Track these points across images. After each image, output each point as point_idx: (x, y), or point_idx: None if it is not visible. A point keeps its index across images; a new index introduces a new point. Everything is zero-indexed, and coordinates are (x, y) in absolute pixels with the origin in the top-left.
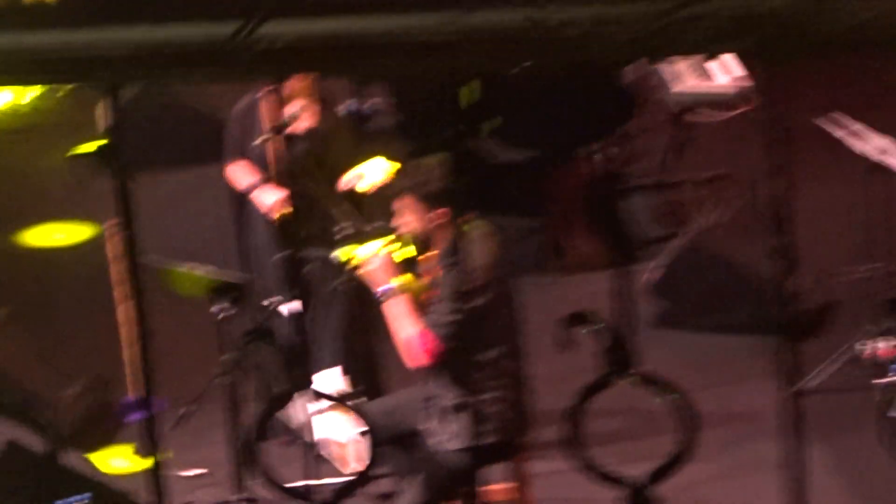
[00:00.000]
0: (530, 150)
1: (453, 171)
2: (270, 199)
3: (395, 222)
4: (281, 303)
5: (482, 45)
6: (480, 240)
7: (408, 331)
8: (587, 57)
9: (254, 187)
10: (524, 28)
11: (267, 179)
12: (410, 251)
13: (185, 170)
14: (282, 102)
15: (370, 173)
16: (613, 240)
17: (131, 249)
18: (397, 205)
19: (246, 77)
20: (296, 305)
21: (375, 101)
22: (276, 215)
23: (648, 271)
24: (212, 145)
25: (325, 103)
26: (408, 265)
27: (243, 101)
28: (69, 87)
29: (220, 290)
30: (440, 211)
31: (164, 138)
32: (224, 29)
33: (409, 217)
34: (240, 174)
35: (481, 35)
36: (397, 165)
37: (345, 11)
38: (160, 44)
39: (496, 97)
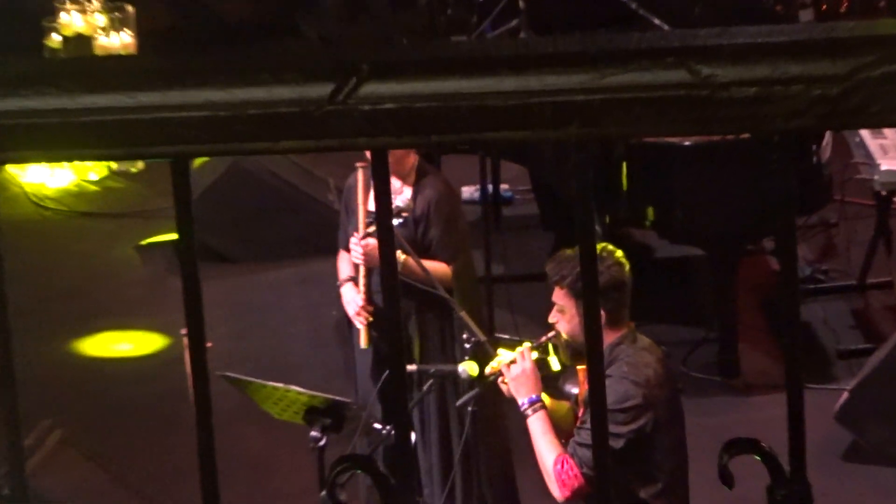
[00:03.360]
0: (699, 242)
1: (615, 264)
2: (349, 300)
3: (550, 318)
4: (391, 428)
5: (633, 108)
6: (644, 350)
7: (547, 456)
8: (763, 124)
9: (344, 282)
10: (684, 86)
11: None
12: (562, 358)
13: (286, 263)
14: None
15: None
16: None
17: (200, 361)
18: (554, 297)
19: (346, 147)
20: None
21: (511, 186)
22: (357, 321)
23: (845, 392)
24: (319, 233)
25: (437, 186)
26: (558, 375)
27: (353, 178)
28: (141, 163)
29: (320, 413)
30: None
31: (260, 225)
32: (319, 90)
33: (562, 314)
34: (341, 263)
35: (632, 95)
36: None
37: (466, 70)
38: (241, 107)
39: (660, 175)
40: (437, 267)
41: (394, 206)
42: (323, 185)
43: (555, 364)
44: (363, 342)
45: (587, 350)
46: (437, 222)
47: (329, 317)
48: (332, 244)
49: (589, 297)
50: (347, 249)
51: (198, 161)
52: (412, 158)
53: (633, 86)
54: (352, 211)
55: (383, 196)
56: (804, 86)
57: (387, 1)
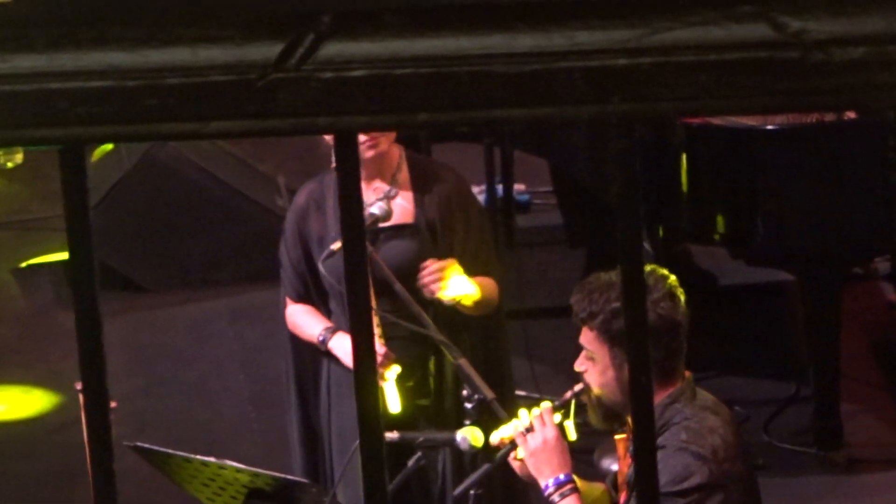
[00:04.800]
0: (787, 262)
1: (666, 297)
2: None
3: (577, 366)
4: None
5: (695, 76)
6: (707, 410)
7: None
8: (874, 97)
9: (330, 335)
10: (766, 45)
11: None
12: (593, 420)
13: (217, 292)
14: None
15: (455, 284)
16: None
17: (101, 428)
18: (582, 340)
19: (300, 129)
20: None
21: (528, 186)
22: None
23: None
24: (261, 250)
25: (445, 173)
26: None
27: (308, 188)
28: (19, 155)
29: (267, 497)
30: None
31: (181, 240)
32: (263, 50)
33: (593, 362)
34: (303, 317)
35: (694, 57)
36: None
37: (466, 22)
38: (155, 74)
39: (733, 171)
40: (481, 283)
41: (366, 213)
42: (269, 184)
43: (571, 432)
44: (397, 404)
45: (633, 415)
46: (463, 219)
47: (276, 366)
48: (278, 268)
49: (636, 346)
50: (304, 300)
51: (97, 152)
52: (396, 149)
53: (696, 45)
54: (315, 237)
55: (352, 199)
56: None
57: None
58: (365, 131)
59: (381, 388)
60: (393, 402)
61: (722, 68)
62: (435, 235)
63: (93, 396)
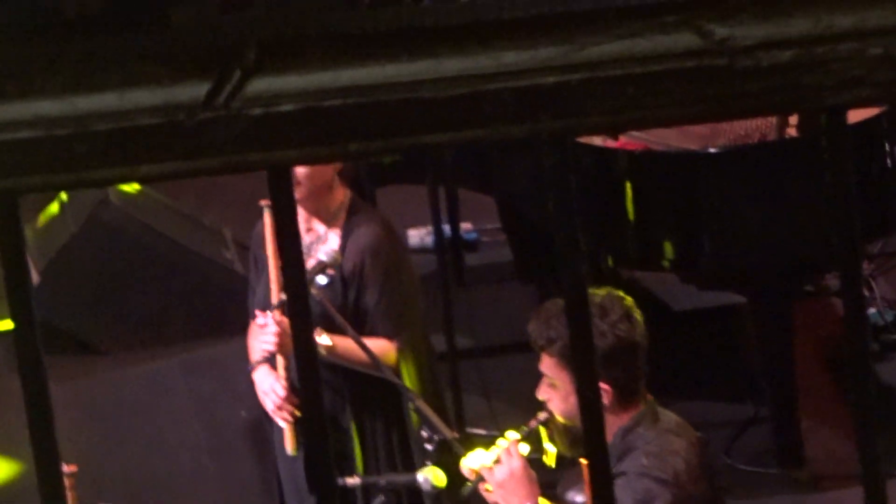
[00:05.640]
0: (737, 284)
1: (623, 318)
2: (266, 389)
3: (540, 394)
4: None
5: (624, 89)
6: (669, 432)
7: None
8: (805, 99)
9: (258, 365)
10: (693, 54)
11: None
12: (559, 447)
13: (170, 349)
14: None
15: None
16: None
17: (54, 493)
18: (542, 367)
19: (232, 167)
20: None
21: (474, 224)
22: (279, 419)
23: None
24: (211, 305)
25: (372, 228)
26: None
27: (262, 222)
28: None
29: None
30: (602, 385)
31: (131, 299)
32: (190, 90)
33: (555, 389)
34: (254, 345)
35: (622, 71)
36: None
37: (391, 49)
38: (83, 121)
39: (678, 196)
40: (374, 346)
41: (315, 259)
42: (215, 237)
43: (551, 452)
44: (290, 447)
45: (585, 444)
46: (374, 280)
47: (232, 417)
48: (229, 319)
49: (584, 372)
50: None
51: (42, 216)
52: (339, 193)
53: (623, 58)
54: (263, 267)
55: (290, 239)
56: (858, 43)
57: None
58: (297, 165)
59: (289, 428)
60: (289, 443)
61: (650, 79)
62: (347, 289)
63: (45, 462)
